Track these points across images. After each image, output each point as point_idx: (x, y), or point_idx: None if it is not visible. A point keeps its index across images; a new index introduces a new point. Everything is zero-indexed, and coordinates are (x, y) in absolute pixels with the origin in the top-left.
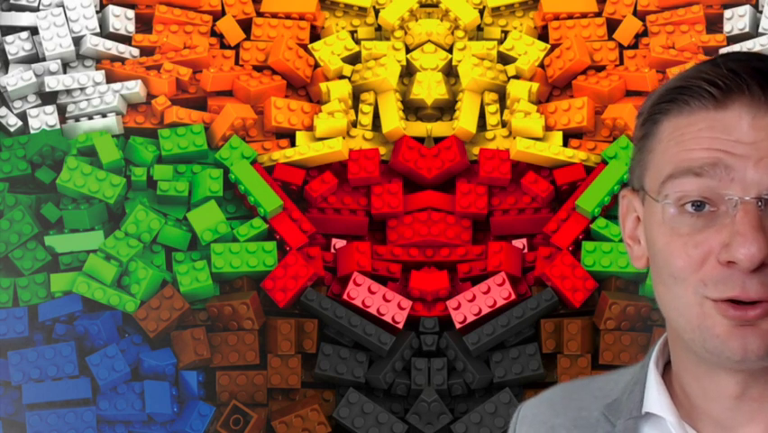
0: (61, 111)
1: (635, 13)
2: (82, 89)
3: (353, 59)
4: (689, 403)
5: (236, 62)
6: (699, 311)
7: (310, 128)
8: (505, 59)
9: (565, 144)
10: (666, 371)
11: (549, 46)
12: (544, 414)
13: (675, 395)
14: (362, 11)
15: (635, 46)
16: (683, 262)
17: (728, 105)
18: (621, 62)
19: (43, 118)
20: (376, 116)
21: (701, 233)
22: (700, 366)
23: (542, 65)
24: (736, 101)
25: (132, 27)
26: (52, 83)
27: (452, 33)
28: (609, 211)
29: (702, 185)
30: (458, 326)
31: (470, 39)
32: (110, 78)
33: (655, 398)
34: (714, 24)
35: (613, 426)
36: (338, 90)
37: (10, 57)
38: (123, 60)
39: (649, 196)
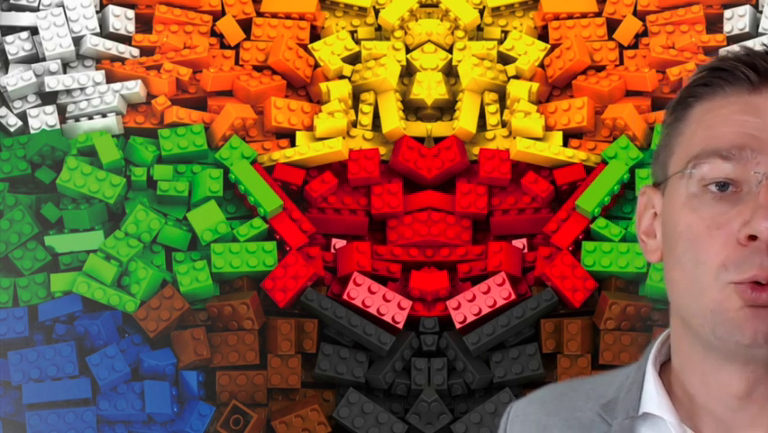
0: (61, 111)
1: (635, 13)
2: (82, 89)
3: (353, 59)
4: (689, 403)
5: (236, 62)
6: (717, 296)
7: (310, 128)
8: (505, 60)
9: (565, 144)
10: (664, 370)
11: (549, 46)
12: (537, 414)
13: (674, 395)
14: (362, 11)
15: (635, 46)
16: (707, 243)
17: (762, 90)
18: (621, 62)
19: (43, 118)
20: (376, 116)
21: (723, 215)
22: (707, 361)
23: (542, 65)
24: None
25: (132, 27)
26: (52, 83)
27: (452, 33)
28: (609, 211)
29: (728, 167)
30: (458, 326)
31: (470, 39)
32: (110, 78)
33: (654, 398)
34: (714, 24)
35: (609, 426)
36: (338, 90)
37: (10, 57)
38: (123, 60)
39: (673, 176)
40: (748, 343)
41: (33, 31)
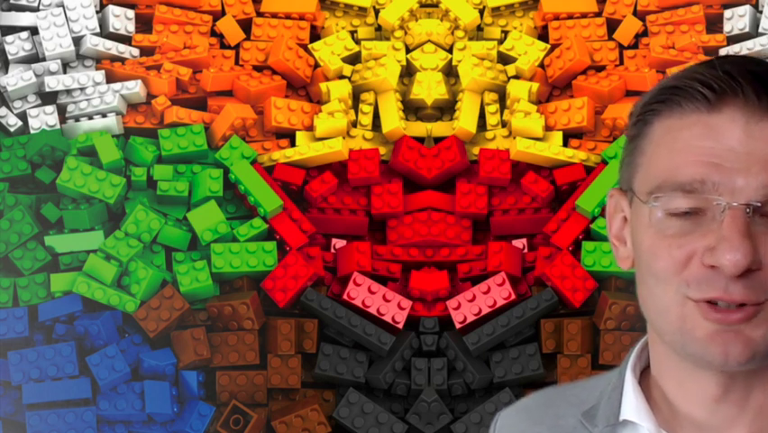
0: (61, 111)
1: (635, 13)
2: (82, 89)
3: (353, 59)
4: (668, 409)
5: (236, 62)
6: (680, 312)
7: (310, 128)
8: (505, 60)
9: (565, 144)
10: (644, 376)
11: (549, 46)
12: (522, 423)
13: (653, 401)
14: (362, 11)
15: (635, 46)
16: (666, 262)
17: (722, 109)
18: (621, 62)
19: (43, 118)
20: (376, 116)
21: (687, 235)
22: (681, 368)
23: (542, 65)
24: (730, 104)
25: (132, 27)
26: (52, 83)
27: (452, 33)
28: None
29: (690, 199)
30: (458, 326)
31: (470, 39)
32: (110, 78)
33: (632, 405)
34: (714, 24)
35: None
36: (338, 90)
37: (10, 57)
38: (123, 60)
39: (637, 198)
40: (720, 364)
41: (33, 31)
